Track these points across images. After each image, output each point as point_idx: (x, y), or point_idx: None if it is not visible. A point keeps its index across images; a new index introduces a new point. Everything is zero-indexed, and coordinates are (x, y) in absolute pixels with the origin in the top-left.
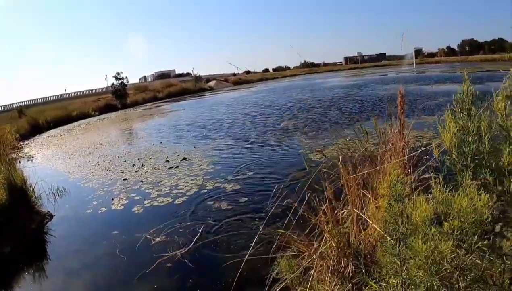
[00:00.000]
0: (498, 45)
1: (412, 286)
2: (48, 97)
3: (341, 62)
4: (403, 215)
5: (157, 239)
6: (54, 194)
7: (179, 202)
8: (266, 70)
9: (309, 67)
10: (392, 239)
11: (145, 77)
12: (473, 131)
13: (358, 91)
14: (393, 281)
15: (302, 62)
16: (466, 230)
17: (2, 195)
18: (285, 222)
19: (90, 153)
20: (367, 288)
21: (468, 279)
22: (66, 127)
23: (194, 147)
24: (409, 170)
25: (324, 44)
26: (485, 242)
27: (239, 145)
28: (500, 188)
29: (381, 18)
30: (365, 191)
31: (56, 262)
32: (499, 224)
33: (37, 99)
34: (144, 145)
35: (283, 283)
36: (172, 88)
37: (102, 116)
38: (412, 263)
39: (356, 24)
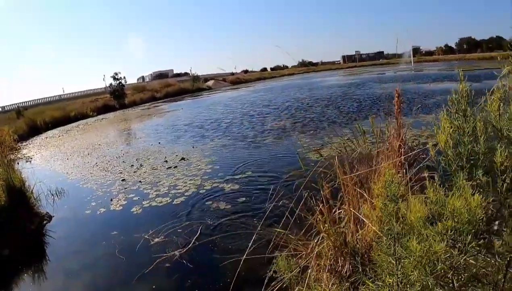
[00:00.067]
0: (496, 43)
1: (408, 285)
2: (47, 98)
3: (339, 61)
4: (398, 215)
5: (156, 239)
6: (53, 195)
7: (178, 202)
8: (264, 69)
9: (307, 66)
10: (387, 239)
11: (143, 77)
12: (468, 132)
13: (356, 90)
14: (389, 280)
15: (300, 61)
16: (460, 230)
17: (1, 197)
18: (283, 221)
19: (88, 154)
20: (364, 287)
21: (462, 278)
22: (64, 128)
23: (193, 147)
24: (406, 169)
25: (323, 43)
26: (479, 242)
27: (237, 145)
28: (493, 188)
29: (379, 17)
30: (362, 190)
31: (56, 262)
32: (496, 222)
33: (36, 100)
34: (142, 145)
35: (281, 283)
36: (170, 88)
37: (100, 116)
38: (407, 263)
39: (354, 23)
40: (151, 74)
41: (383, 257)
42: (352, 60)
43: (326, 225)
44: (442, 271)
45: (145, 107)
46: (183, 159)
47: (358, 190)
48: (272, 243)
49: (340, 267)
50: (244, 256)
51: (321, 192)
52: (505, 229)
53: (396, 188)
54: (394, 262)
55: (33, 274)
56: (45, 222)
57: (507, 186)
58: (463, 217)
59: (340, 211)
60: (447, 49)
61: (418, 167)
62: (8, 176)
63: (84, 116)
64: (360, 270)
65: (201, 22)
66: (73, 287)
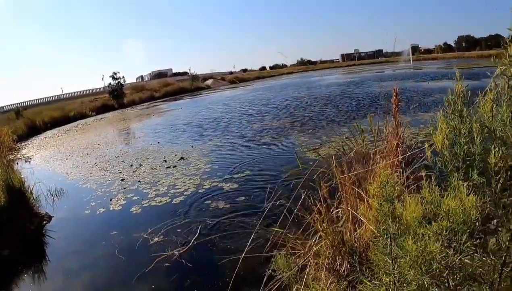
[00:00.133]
0: (494, 41)
1: (404, 284)
2: (46, 98)
3: (338, 59)
4: (394, 215)
5: (155, 239)
6: (52, 195)
7: (177, 202)
8: (263, 68)
9: (306, 65)
10: (383, 239)
11: (142, 77)
12: (464, 133)
13: (354, 88)
14: (386, 279)
15: (299, 60)
16: (455, 230)
17: (0, 197)
18: (281, 220)
19: (87, 154)
20: (362, 285)
21: (458, 278)
22: (63, 128)
23: (192, 147)
24: (403, 168)
25: (322, 42)
26: (474, 242)
27: (236, 144)
28: (488, 188)
29: (378, 16)
30: (359, 189)
31: (56, 263)
32: (494, 221)
33: (35, 100)
34: (141, 145)
35: (280, 281)
36: (169, 87)
37: (99, 116)
38: (403, 262)
39: (353, 22)
40: (150, 73)
41: (380, 256)
42: (351, 59)
43: (324, 224)
44: (438, 270)
45: (144, 106)
46: (182, 158)
47: (356, 189)
48: (270, 242)
49: (338, 266)
50: (243, 255)
51: (319, 191)
52: (500, 229)
53: (391, 188)
54: (390, 262)
55: (33, 274)
56: (44, 222)
57: (501, 186)
58: (458, 217)
59: (338, 210)
60: (446, 47)
61: (415, 165)
62: (7, 176)
63: (83, 116)
64: (358, 269)
65: (201, 22)
66: (73, 287)
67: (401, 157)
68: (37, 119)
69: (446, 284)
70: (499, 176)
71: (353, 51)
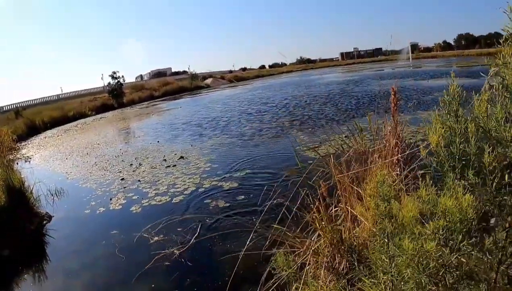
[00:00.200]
0: (494, 39)
1: (402, 282)
2: (45, 97)
3: (337, 58)
4: (391, 214)
5: (156, 238)
6: (52, 195)
7: (177, 201)
8: (263, 66)
9: (305, 64)
10: (380, 238)
11: (141, 76)
12: (459, 133)
13: (354, 87)
14: (384, 277)
15: (299, 58)
16: (451, 229)
17: (0, 197)
18: (280, 219)
19: (87, 153)
20: (360, 283)
21: (455, 276)
22: (63, 127)
23: (191, 146)
24: (402, 167)
25: (321, 40)
26: (470, 240)
27: (235, 143)
28: (483, 187)
29: (378, 14)
30: (358, 188)
31: (56, 262)
32: (493, 219)
33: (34, 100)
34: (141, 144)
35: (279, 280)
36: (169, 86)
37: (98, 116)
38: (400, 261)
39: (353, 21)
40: (149, 72)
41: (377, 255)
42: (350, 57)
43: (322, 223)
44: (435, 269)
45: (143, 106)
46: (182, 157)
47: (355, 188)
48: (269, 241)
49: (337, 264)
50: (242, 253)
51: (318, 190)
52: (496, 228)
53: (387, 188)
54: (387, 261)
55: (33, 274)
56: (45, 222)
57: (496, 185)
58: (455, 216)
59: (336, 208)
60: (446, 46)
61: (414, 164)
62: (7, 176)
63: (82, 115)
64: (357, 267)
65: (201, 22)
66: (74, 287)
67: (400, 155)
68: (37, 119)
69: (443, 282)
70: (494, 175)
71: (352, 50)
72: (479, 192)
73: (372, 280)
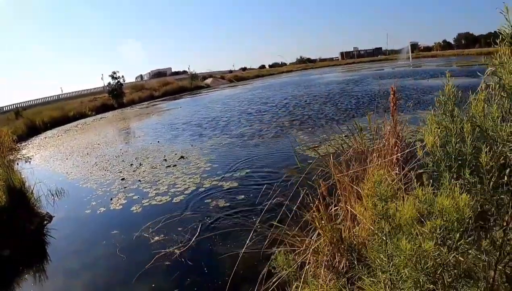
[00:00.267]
0: (494, 38)
1: (400, 281)
2: (45, 97)
3: (337, 57)
4: (387, 215)
5: (156, 238)
6: (53, 195)
7: (177, 201)
8: (263, 66)
9: (305, 63)
10: (378, 237)
11: (141, 76)
12: (455, 133)
13: (354, 86)
14: (382, 276)
15: (299, 58)
16: (449, 228)
17: (1, 197)
18: (280, 218)
19: (87, 153)
20: (360, 282)
21: (453, 275)
22: (63, 127)
23: (191, 146)
24: (402, 166)
25: (321, 40)
26: (467, 239)
27: (235, 143)
28: (480, 186)
29: (377, 14)
30: (358, 187)
31: (56, 262)
32: (493, 218)
33: (34, 100)
34: (141, 144)
35: (280, 279)
36: (169, 86)
37: (99, 116)
38: (398, 260)
39: (353, 21)
40: (149, 72)
41: (376, 254)
42: (350, 57)
43: (322, 222)
44: (433, 268)
45: (143, 106)
46: (182, 157)
47: (355, 187)
48: (269, 240)
49: (337, 263)
50: (242, 252)
51: (318, 189)
52: (495, 228)
53: (385, 188)
54: (386, 260)
55: (33, 274)
56: (45, 222)
57: (493, 184)
58: (452, 215)
59: (336, 208)
60: (445, 45)
61: (413, 163)
62: (7, 177)
63: (82, 115)
64: (357, 266)
65: (201, 22)
66: (74, 287)
67: (399, 154)
68: (37, 119)
69: (442, 281)
70: (491, 174)
71: (352, 49)
72: (476, 191)
73: (372, 279)
